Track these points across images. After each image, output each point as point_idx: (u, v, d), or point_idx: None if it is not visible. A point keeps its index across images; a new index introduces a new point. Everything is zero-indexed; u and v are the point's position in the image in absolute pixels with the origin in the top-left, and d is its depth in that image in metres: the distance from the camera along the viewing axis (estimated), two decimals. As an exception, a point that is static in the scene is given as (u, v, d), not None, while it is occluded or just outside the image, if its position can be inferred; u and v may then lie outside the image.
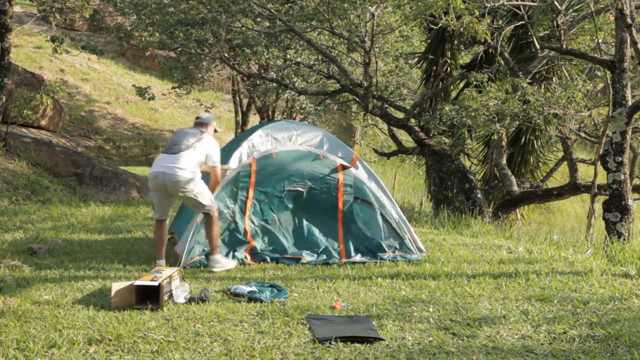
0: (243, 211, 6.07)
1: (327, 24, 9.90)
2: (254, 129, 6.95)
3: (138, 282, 4.40)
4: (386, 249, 6.15)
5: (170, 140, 5.74)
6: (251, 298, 4.57)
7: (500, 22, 10.74)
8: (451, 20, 8.38)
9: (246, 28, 10.50)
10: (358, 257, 6.11)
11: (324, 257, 6.05)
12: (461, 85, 12.13)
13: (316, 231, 6.20)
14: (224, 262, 5.64)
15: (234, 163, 6.07)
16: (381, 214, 6.28)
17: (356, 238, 6.21)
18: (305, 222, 6.20)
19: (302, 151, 6.31)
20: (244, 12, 10.41)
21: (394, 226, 6.24)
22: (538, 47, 9.44)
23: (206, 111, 6.37)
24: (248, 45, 10.48)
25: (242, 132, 15.33)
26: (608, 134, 8.47)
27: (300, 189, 6.21)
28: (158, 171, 5.44)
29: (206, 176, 5.80)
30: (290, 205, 6.19)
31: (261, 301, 4.52)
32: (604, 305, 4.40)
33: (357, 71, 12.43)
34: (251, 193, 6.09)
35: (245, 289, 4.70)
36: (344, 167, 6.31)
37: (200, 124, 5.85)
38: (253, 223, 6.08)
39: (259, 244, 6.04)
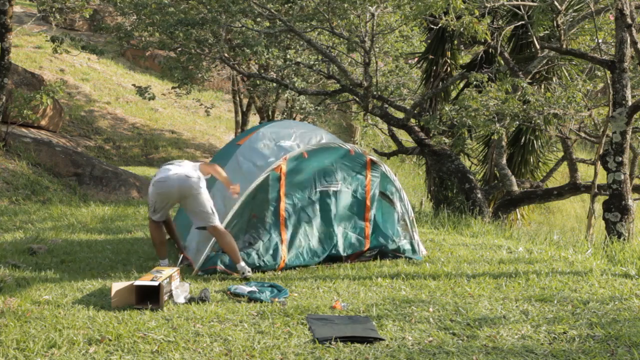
0: (278, 219, 5.65)
1: (327, 24, 9.90)
2: (253, 129, 6.92)
3: (138, 282, 4.40)
4: (394, 246, 6.14)
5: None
6: (251, 298, 4.57)
7: (500, 22, 10.73)
8: (451, 20, 8.38)
9: (246, 28, 10.49)
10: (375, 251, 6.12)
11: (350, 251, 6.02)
12: (461, 85, 12.12)
13: (345, 234, 5.99)
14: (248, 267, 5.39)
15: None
16: (399, 211, 6.26)
17: (376, 231, 6.15)
18: (334, 225, 5.92)
19: (332, 147, 5.99)
20: (244, 12, 10.41)
21: (407, 225, 6.26)
22: (538, 47, 9.44)
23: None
24: (248, 45, 10.48)
25: (242, 132, 15.35)
26: (608, 134, 8.47)
27: (333, 189, 5.90)
28: (166, 175, 5.33)
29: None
30: (321, 208, 5.87)
31: (261, 301, 4.51)
32: (604, 305, 4.40)
33: (357, 71, 12.42)
34: (283, 199, 5.68)
35: (245, 289, 4.69)
36: (372, 163, 6.11)
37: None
38: (287, 234, 5.68)
39: (291, 255, 5.69)
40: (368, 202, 6.08)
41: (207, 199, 5.35)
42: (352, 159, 6.03)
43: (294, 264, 5.71)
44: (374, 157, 6.15)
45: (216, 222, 5.36)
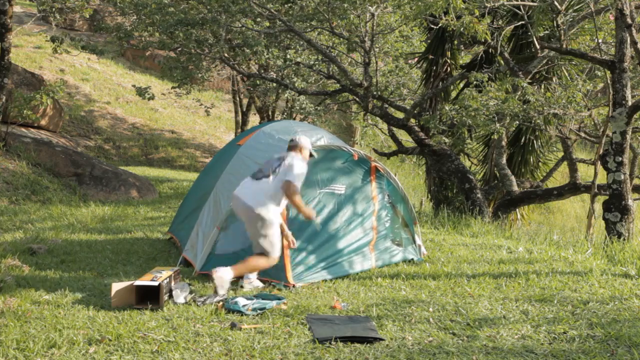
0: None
1: (327, 24, 9.90)
2: (253, 129, 6.91)
3: (138, 282, 4.40)
4: (401, 256, 6.07)
5: (260, 166, 5.24)
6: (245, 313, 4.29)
7: (500, 22, 10.73)
8: (451, 20, 8.37)
9: (246, 28, 10.50)
10: (380, 262, 5.88)
11: (358, 269, 5.64)
12: (461, 85, 12.12)
13: (351, 242, 5.65)
14: (253, 280, 5.11)
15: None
16: (403, 219, 6.16)
17: (384, 240, 5.98)
18: (341, 232, 5.61)
19: (334, 150, 5.76)
20: (244, 12, 10.42)
21: (411, 231, 6.20)
22: (538, 47, 9.43)
23: (294, 138, 5.42)
24: (248, 45, 10.49)
25: (242, 132, 15.35)
26: (608, 134, 8.46)
27: (337, 192, 5.66)
28: (234, 193, 5.03)
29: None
30: (325, 212, 5.58)
31: (262, 309, 4.38)
32: (604, 305, 4.40)
33: (357, 71, 12.43)
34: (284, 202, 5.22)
35: (240, 303, 4.38)
36: (377, 170, 5.91)
37: (293, 147, 5.20)
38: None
39: (297, 266, 5.27)
40: (375, 209, 5.83)
41: (266, 235, 4.90)
42: (356, 164, 5.84)
43: (302, 277, 5.27)
44: (380, 164, 5.95)
45: (271, 255, 4.97)
